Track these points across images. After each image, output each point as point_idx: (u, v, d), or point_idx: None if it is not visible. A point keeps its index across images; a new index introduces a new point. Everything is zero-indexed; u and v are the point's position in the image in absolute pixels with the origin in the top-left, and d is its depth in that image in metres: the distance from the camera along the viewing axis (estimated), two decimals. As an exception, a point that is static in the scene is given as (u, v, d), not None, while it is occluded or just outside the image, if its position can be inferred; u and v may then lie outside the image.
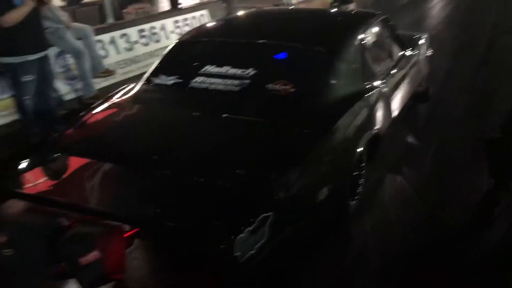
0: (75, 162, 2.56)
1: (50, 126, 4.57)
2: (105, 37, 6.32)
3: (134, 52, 6.72)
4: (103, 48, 6.25)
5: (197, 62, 3.32)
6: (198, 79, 3.17)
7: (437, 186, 3.54)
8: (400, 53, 4.13)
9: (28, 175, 2.50)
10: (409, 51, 4.34)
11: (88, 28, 5.84)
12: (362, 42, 3.40)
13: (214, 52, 3.48)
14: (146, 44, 6.93)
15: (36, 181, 2.47)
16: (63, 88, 5.58)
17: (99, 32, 6.17)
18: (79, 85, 5.75)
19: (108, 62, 6.24)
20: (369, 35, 3.58)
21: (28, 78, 4.34)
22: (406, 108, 4.24)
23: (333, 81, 3.04)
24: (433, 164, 3.91)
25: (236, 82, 3.04)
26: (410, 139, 4.47)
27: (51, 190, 2.38)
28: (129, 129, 2.86)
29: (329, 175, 2.60)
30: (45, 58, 4.53)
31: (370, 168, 3.27)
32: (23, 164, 2.56)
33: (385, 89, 3.48)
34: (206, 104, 3.00)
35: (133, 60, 6.69)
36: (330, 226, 2.81)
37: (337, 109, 2.85)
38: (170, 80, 3.28)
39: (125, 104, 3.18)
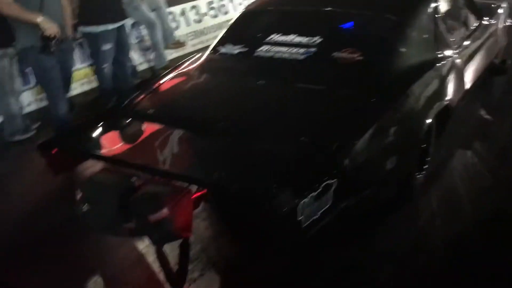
0: (146, 127, 2.70)
1: (125, 94, 4.84)
2: (176, 9, 6.51)
3: (203, 24, 6.87)
4: (174, 20, 6.43)
5: (262, 31, 3.33)
6: (264, 47, 3.17)
7: (510, 163, 3.36)
8: (476, 23, 3.94)
9: (103, 138, 2.69)
10: (486, 21, 4.12)
11: (160, 0, 6.02)
12: (436, 10, 3.25)
13: (280, 21, 3.46)
14: (215, 16, 7.04)
15: (110, 144, 2.64)
16: (137, 58, 5.84)
17: (170, 4, 6.35)
18: (151, 55, 6.00)
19: (178, 34, 6.43)
20: (443, 2, 3.44)
21: (107, 47, 4.58)
22: (480, 80, 4.03)
23: (403, 49, 2.93)
24: (508, 140, 3.69)
25: (301, 50, 3.00)
26: (484, 113, 4.23)
27: (124, 152, 2.51)
28: (197, 96, 2.94)
29: (396, 146, 2.52)
30: (122, 28, 4.74)
31: (439, 142, 3.16)
32: (100, 128, 2.75)
33: (459, 60, 3.33)
34: (271, 72, 3.00)
35: (202, 32, 6.85)
36: (395, 199, 2.75)
37: (407, 78, 2.74)
38: (235, 49, 3.31)
39: (193, 72, 3.27)
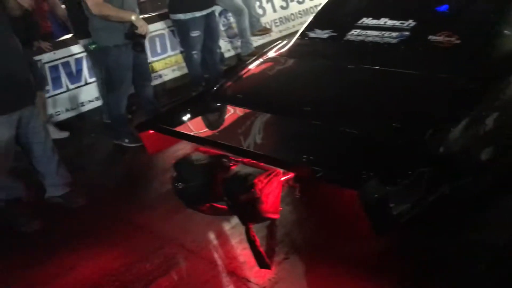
0: (236, 111, 2.76)
1: (214, 80, 5.00)
2: (261, -4, 6.51)
3: (289, 10, 6.83)
4: (260, 6, 6.46)
5: (352, 15, 3.24)
6: (354, 31, 3.07)
7: None
8: None
9: (195, 121, 2.81)
10: None
11: (248, -13, 6.09)
12: None
13: (370, 4, 3.34)
14: (301, 2, 6.97)
15: (201, 126, 2.77)
16: (224, 45, 5.96)
17: (257, -9, 6.38)
18: (238, 42, 6.10)
19: (264, 21, 6.46)
20: None
21: (196, 33, 4.74)
22: None
23: (504, 32, 2.71)
24: None
25: (394, 34, 2.89)
26: None
27: (214, 135, 2.61)
28: (287, 81, 2.95)
29: (495, 135, 2.39)
30: (211, 15, 4.88)
31: None
32: (191, 112, 2.87)
33: None
34: (363, 56, 2.90)
35: (288, 18, 6.81)
36: (492, 191, 2.55)
37: (509, 63, 2.54)
38: (325, 34, 3.22)
39: (281, 58, 3.25)
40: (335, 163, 2.09)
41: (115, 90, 4.02)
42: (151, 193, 3.53)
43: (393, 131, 2.19)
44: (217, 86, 3.07)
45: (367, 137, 2.19)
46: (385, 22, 3.01)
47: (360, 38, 3.02)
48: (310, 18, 3.63)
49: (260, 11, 6.41)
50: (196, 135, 2.66)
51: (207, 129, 2.72)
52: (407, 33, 2.86)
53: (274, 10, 6.66)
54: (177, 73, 5.66)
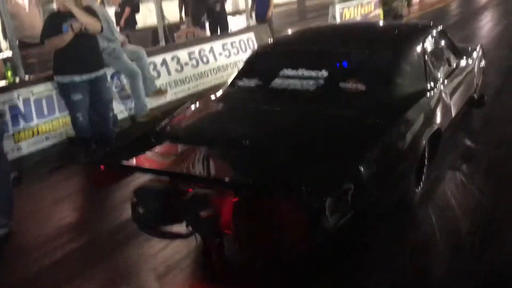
0: (181, 146, 3.07)
1: (106, 144, 4.77)
2: (157, 59, 6.57)
3: (184, 73, 6.93)
4: (155, 69, 6.48)
5: (274, 67, 3.74)
6: (278, 80, 3.60)
7: (495, 183, 3.64)
8: (457, 61, 4.38)
9: (144, 156, 2.98)
10: (465, 60, 4.61)
11: (141, 50, 6.10)
12: (424, 47, 3.72)
13: (289, 58, 3.85)
14: (195, 66, 7.13)
15: (151, 160, 2.98)
16: (117, 107, 5.78)
17: (151, 54, 6.43)
18: (132, 104, 5.97)
19: (159, 83, 6.46)
20: (429, 42, 3.92)
21: (78, 97, 4.58)
22: (462, 111, 4.41)
23: (399, 81, 3.37)
24: (490, 162, 4.00)
25: (311, 82, 3.45)
26: (468, 139, 4.58)
27: (165, 165, 2.87)
28: (223, 119, 3.35)
29: (398, 160, 2.90)
30: (99, 79, 4.74)
31: (431, 164, 3.51)
32: (139, 148, 3.08)
33: (445, 91, 3.75)
34: (287, 100, 3.40)
35: (182, 81, 6.89)
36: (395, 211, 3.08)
37: (404, 104, 3.16)
38: (252, 83, 3.74)
39: (216, 101, 3.67)
40: (277, 182, 2.44)
41: None
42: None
43: (323, 157, 2.60)
44: (161, 126, 3.33)
45: (303, 162, 2.56)
46: (303, 73, 3.56)
47: (283, 86, 3.54)
48: (237, 69, 4.15)
49: (154, 74, 6.40)
50: (149, 166, 2.89)
51: (157, 161, 2.95)
52: (321, 81, 3.43)
53: (169, 73, 6.71)
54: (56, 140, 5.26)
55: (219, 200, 2.39)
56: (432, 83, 3.55)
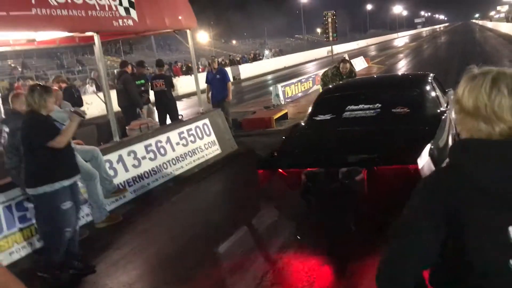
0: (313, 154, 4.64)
1: (72, 255, 4.16)
2: (113, 156, 6.05)
3: (142, 168, 6.42)
4: (111, 167, 5.94)
5: (340, 106, 5.34)
6: (347, 113, 5.20)
7: None
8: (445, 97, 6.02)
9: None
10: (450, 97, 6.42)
11: (95, 149, 5.57)
12: (432, 85, 5.61)
13: (349, 99, 5.45)
14: (153, 159, 6.65)
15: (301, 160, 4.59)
16: (74, 214, 5.12)
17: (106, 151, 5.91)
18: (89, 210, 5.34)
19: (117, 181, 5.89)
20: (433, 82, 5.77)
21: (68, 205, 4.02)
22: None
23: (427, 105, 5.21)
24: None
25: (371, 111, 5.09)
26: None
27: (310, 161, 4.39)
28: (325, 137, 4.96)
29: (443, 148, 4.34)
30: (75, 182, 4.22)
31: None
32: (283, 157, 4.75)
33: (450, 112, 5.24)
34: (359, 123, 4.99)
35: (141, 177, 6.36)
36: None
37: (436, 118, 4.85)
38: (327, 117, 5.33)
39: (308, 130, 5.30)
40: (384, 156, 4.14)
41: None
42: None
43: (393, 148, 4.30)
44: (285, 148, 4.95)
45: (388, 150, 4.28)
46: (363, 106, 5.19)
47: (352, 116, 5.16)
48: (310, 109, 5.67)
49: (111, 172, 5.84)
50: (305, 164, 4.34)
51: (310, 157, 4.52)
52: (378, 110, 5.09)
53: (126, 170, 6.17)
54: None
55: (362, 171, 3.93)
56: (443, 107, 5.26)
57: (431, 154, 3.97)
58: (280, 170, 4.45)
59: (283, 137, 5.23)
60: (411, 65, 22.35)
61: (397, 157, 3.98)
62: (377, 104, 5.08)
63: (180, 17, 7.48)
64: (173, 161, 6.97)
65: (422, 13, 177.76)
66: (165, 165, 6.79)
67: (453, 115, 5.31)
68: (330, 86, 8.41)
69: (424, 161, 3.88)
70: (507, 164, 1.22)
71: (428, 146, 4.07)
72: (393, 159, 3.95)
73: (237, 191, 6.34)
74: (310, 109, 5.61)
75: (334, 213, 4.05)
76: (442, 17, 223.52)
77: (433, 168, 3.81)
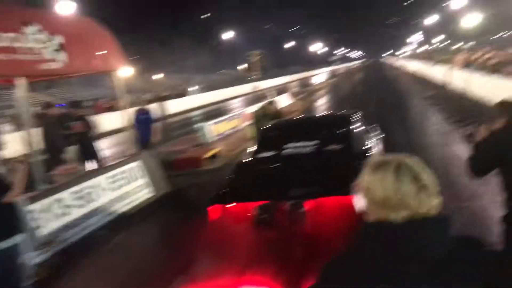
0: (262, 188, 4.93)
1: None
2: (37, 206, 5.67)
3: (70, 216, 6.08)
4: (35, 218, 5.56)
5: (282, 143, 5.79)
6: (288, 150, 5.67)
7: None
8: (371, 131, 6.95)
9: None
10: (375, 130, 7.30)
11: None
12: (361, 123, 6.36)
13: (290, 137, 5.96)
14: (82, 206, 6.34)
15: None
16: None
17: (29, 201, 5.53)
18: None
19: (43, 233, 5.52)
20: (360, 120, 6.47)
21: None
22: None
23: (356, 143, 5.77)
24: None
25: (309, 148, 5.61)
26: None
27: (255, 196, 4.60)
28: (272, 170, 5.36)
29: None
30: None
31: None
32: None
33: (378, 145, 6.45)
34: (299, 159, 5.43)
35: (70, 226, 6.02)
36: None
37: (364, 153, 5.49)
38: (270, 153, 5.73)
39: (253, 165, 5.65)
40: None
41: None
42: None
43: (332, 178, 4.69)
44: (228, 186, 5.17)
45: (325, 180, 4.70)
46: (302, 143, 5.74)
47: (292, 152, 5.63)
48: (253, 147, 6.15)
49: (35, 224, 5.46)
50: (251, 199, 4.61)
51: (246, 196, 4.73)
52: (316, 146, 5.60)
53: (53, 219, 5.80)
54: None
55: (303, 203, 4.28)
56: (371, 143, 6.07)
57: None
58: (229, 205, 4.73)
59: (229, 175, 5.48)
60: (333, 102, 23.51)
61: (335, 189, 4.37)
62: (315, 141, 5.70)
63: (109, 58, 7.36)
64: (104, 207, 6.69)
65: (339, 51, 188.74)
66: (95, 212, 6.50)
67: (379, 146, 6.83)
68: (266, 125, 8.78)
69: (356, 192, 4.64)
70: (400, 246, 1.34)
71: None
72: (332, 191, 4.32)
73: (172, 236, 6.20)
74: (250, 148, 6.21)
75: (284, 243, 4.26)
76: (356, 55, 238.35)
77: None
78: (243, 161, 5.99)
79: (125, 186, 7.30)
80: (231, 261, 4.43)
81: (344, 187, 4.29)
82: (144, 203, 7.49)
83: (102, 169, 7.32)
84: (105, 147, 9.63)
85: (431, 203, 1.39)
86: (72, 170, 6.71)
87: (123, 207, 7.06)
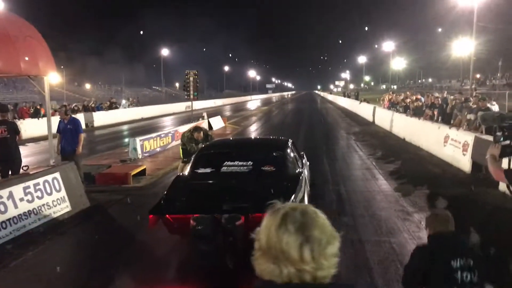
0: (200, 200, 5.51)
1: None
2: None
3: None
4: None
5: (219, 161, 6.31)
6: (224, 168, 6.18)
7: None
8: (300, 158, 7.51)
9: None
10: (303, 158, 7.91)
11: None
12: (292, 148, 7.00)
13: (226, 156, 6.43)
14: None
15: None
16: None
17: None
18: None
19: None
20: (292, 146, 7.18)
21: None
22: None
23: (289, 165, 6.42)
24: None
25: (245, 167, 6.15)
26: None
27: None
28: (209, 186, 5.85)
29: (302, 199, 5.98)
30: None
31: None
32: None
33: (304, 171, 6.93)
34: (232, 178, 5.94)
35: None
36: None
37: (295, 175, 6.19)
38: (207, 170, 6.24)
39: (192, 179, 6.14)
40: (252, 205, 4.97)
41: None
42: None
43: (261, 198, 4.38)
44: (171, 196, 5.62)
45: (255, 197, 5.11)
46: (238, 162, 6.24)
47: (228, 170, 6.13)
48: (192, 161, 6.65)
49: None
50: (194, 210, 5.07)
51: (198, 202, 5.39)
52: (251, 167, 6.16)
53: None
54: None
55: (240, 217, 4.75)
56: (300, 168, 6.65)
57: None
58: (168, 215, 5.10)
59: (168, 187, 5.92)
60: (264, 129, 23.83)
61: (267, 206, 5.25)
62: (249, 162, 6.19)
63: (38, 63, 6.94)
64: (15, 219, 6.18)
65: (273, 79, 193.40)
66: (4, 224, 5.98)
67: (306, 173, 7.47)
68: (193, 148, 8.77)
69: None
70: None
71: (292, 198, 5.24)
72: (265, 208, 5.15)
73: (88, 256, 5.84)
74: (191, 163, 6.67)
75: (218, 253, 4.66)
76: (290, 85, 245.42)
77: None
78: (182, 174, 6.52)
79: (41, 199, 6.81)
80: (164, 271, 4.97)
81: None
82: (61, 218, 7.02)
83: (20, 178, 6.79)
84: (25, 154, 8.93)
85: (320, 262, 1.23)
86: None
87: (37, 221, 6.55)
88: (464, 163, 10.30)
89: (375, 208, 7.44)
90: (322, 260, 1.23)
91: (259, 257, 1.29)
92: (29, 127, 18.75)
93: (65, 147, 8.70)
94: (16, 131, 8.23)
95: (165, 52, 62.58)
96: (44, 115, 20.50)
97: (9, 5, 26.18)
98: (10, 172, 7.84)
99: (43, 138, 12.51)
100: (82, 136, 8.93)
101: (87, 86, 71.27)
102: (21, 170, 7.65)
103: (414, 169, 10.86)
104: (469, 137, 10.33)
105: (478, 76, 46.41)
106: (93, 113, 27.85)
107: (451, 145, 11.40)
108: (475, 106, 11.86)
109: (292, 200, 5.18)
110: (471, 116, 11.68)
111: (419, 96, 19.53)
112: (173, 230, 5.28)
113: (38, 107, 23.44)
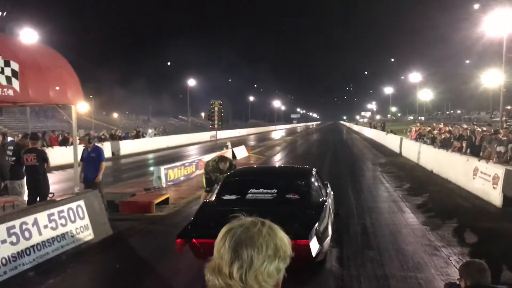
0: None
1: None
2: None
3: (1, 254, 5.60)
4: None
5: (244, 188, 6.49)
6: (249, 195, 6.35)
7: None
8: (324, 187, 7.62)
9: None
10: (327, 187, 7.89)
11: None
12: (316, 177, 7.10)
13: (252, 183, 6.62)
14: (14, 243, 5.88)
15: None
16: None
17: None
18: None
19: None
20: (317, 175, 7.28)
21: None
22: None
23: (313, 193, 6.55)
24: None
25: (269, 195, 6.28)
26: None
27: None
28: (230, 214, 5.42)
29: (326, 228, 5.84)
30: None
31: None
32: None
33: (329, 200, 6.88)
34: (259, 204, 6.04)
35: (-3, 264, 5.53)
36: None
37: (319, 203, 6.25)
38: (233, 196, 6.44)
39: (219, 205, 6.27)
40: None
41: None
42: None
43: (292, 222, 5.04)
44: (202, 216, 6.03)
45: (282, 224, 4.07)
46: (263, 190, 6.37)
47: (253, 198, 6.30)
48: (217, 188, 6.96)
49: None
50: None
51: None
52: (276, 194, 6.32)
53: (-21, 256, 5.32)
54: None
55: None
56: (324, 196, 6.74)
57: (316, 233, 5.17)
58: (195, 240, 5.20)
59: (196, 213, 6.17)
60: (288, 159, 23.73)
61: (292, 233, 5.49)
62: (274, 190, 6.32)
63: (67, 92, 7.14)
64: (38, 246, 6.23)
65: (298, 109, 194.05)
66: (28, 251, 6.03)
67: (330, 202, 7.37)
68: (217, 177, 8.79)
69: (312, 237, 5.02)
70: None
71: (315, 226, 5.26)
72: (289, 235, 5.49)
73: (107, 285, 5.82)
74: (217, 189, 6.91)
75: None
76: (315, 115, 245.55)
77: (317, 244, 5.14)
78: (208, 200, 6.76)
79: (65, 226, 6.86)
80: None
81: (301, 232, 4.83)
82: (84, 246, 7.05)
83: (44, 205, 6.88)
84: (51, 182, 9.14)
85: (249, 283, 1.23)
86: (12, 203, 6.26)
87: (60, 248, 6.60)
88: (495, 196, 9.96)
89: (401, 242, 7.21)
90: (252, 281, 1.23)
91: (208, 265, 1.32)
92: (57, 155, 19.16)
93: (87, 175, 8.84)
94: (44, 159, 8.45)
95: (191, 82, 63.78)
96: (72, 143, 20.98)
97: (43, 38, 27.29)
98: (38, 199, 7.98)
99: (70, 166, 12.74)
100: (103, 164, 9.06)
101: (115, 115, 72.92)
102: (42, 199, 7.78)
103: (442, 202, 10.56)
104: (499, 170, 10.02)
105: (508, 107, 45.44)
106: (120, 141, 28.34)
107: (480, 178, 11.07)
108: (505, 138, 11.53)
109: (316, 228, 5.23)
110: (501, 149, 11.35)
111: (448, 128, 19.17)
112: (199, 254, 5.34)
113: (67, 135, 23.99)
